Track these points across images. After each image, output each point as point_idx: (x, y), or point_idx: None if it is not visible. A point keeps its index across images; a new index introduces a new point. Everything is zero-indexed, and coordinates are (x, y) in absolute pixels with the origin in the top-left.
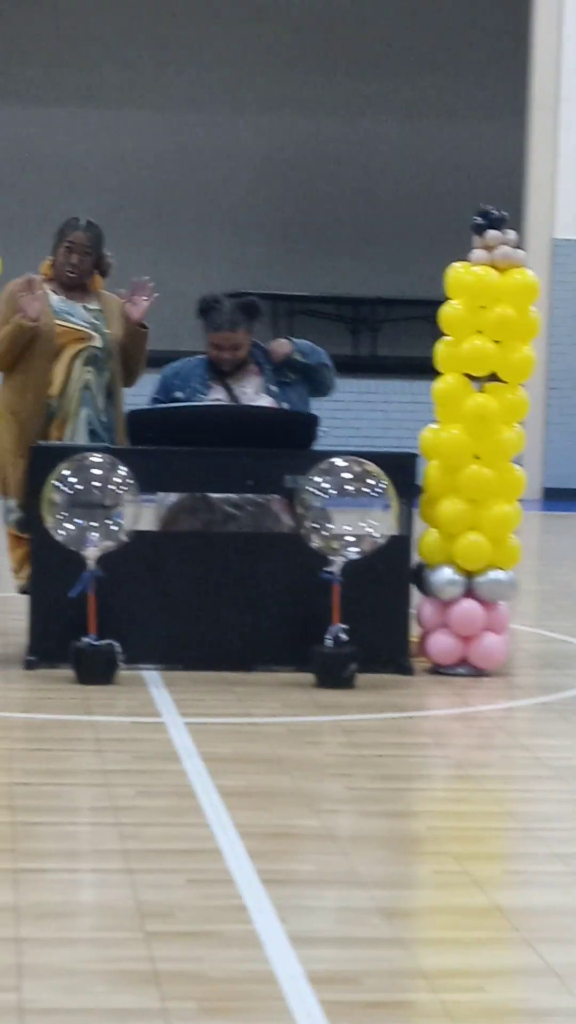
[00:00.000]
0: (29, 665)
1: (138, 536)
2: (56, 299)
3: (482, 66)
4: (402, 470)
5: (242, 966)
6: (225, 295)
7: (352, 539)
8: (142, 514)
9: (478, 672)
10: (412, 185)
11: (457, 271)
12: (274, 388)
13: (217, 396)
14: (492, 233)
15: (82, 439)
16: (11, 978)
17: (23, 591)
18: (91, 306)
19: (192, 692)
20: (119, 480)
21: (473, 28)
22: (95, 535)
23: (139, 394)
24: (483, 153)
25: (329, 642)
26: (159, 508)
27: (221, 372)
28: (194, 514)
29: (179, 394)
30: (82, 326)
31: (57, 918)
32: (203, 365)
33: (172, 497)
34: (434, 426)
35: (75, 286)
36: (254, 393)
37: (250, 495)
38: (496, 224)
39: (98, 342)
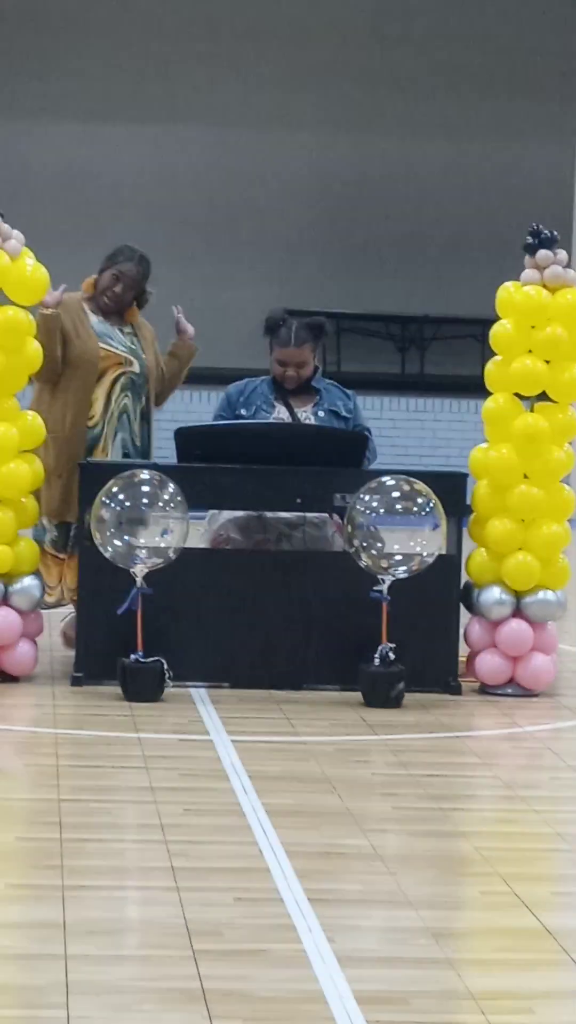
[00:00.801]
0: (76, 682)
1: (186, 553)
2: (95, 320)
3: (531, 86)
4: (451, 489)
5: (289, 985)
6: (287, 314)
7: (401, 558)
8: (190, 531)
9: (526, 692)
10: (461, 204)
11: (508, 290)
12: (323, 415)
13: (280, 416)
14: (543, 253)
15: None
16: (59, 995)
17: (50, 607)
18: (126, 331)
19: (240, 710)
20: (168, 497)
21: (522, 48)
22: (143, 552)
23: (191, 411)
24: (533, 172)
25: (377, 661)
26: (211, 525)
27: (284, 392)
28: (247, 533)
29: (243, 411)
30: (121, 351)
31: (105, 936)
32: (267, 384)
33: (226, 514)
34: (483, 445)
35: (112, 312)
36: (314, 416)
37: (307, 515)
38: (547, 244)
39: (136, 368)
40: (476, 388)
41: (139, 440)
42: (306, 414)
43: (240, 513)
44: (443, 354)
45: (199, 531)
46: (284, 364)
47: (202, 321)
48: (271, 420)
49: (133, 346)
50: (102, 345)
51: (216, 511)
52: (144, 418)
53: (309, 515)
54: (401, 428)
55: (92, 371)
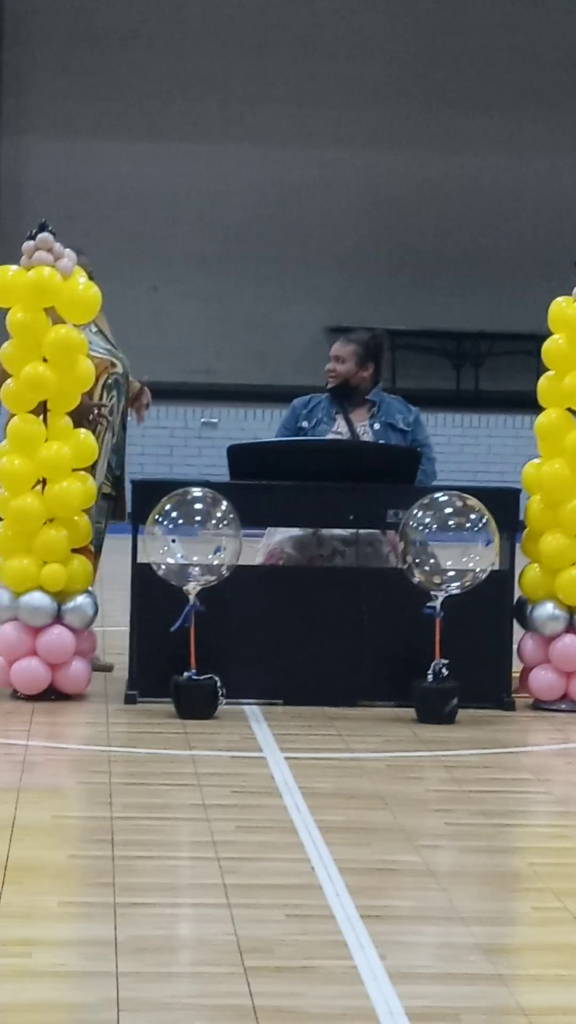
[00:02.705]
0: (130, 700)
1: (239, 571)
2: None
3: None
4: (504, 505)
5: (341, 1002)
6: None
7: (454, 574)
8: (243, 548)
9: None
10: (515, 219)
11: (560, 306)
12: (379, 427)
13: (339, 429)
14: None
15: (103, 463)
16: (110, 1012)
17: None
18: (94, 331)
19: (292, 727)
20: (220, 515)
21: (573, 63)
22: (196, 570)
23: (244, 429)
24: None
25: (431, 677)
26: (267, 540)
27: (344, 405)
28: (302, 549)
29: (304, 424)
30: (104, 355)
31: (156, 952)
32: (329, 399)
33: (283, 531)
34: (536, 460)
35: None
36: (370, 428)
37: (363, 532)
38: None
39: (120, 368)
40: (531, 404)
41: (116, 438)
42: (364, 427)
43: (296, 530)
44: (498, 370)
45: (255, 549)
46: (330, 359)
47: (255, 339)
48: (330, 433)
49: (109, 346)
50: (92, 353)
51: (273, 528)
52: (123, 424)
53: (363, 532)
54: (456, 444)
55: (93, 385)
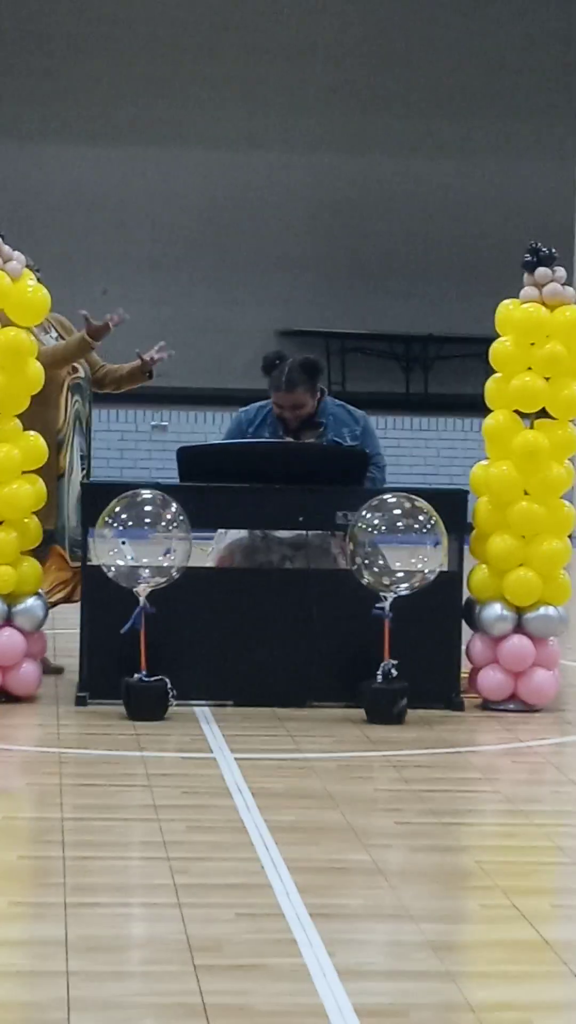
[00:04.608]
0: (80, 701)
1: (189, 572)
2: (35, 331)
3: (533, 105)
4: (452, 506)
5: (291, 999)
6: (286, 354)
7: (402, 575)
8: (193, 550)
9: (528, 708)
10: (463, 223)
11: (507, 308)
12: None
13: None
14: (542, 270)
15: (77, 465)
16: (60, 1011)
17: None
18: (53, 336)
19: (242, 728)
20: (170, 517)
21: (524, 67)
22: (146, 572)
23: (196, 432)
24: (533, 191)
25: (380, 678)
26: (218, 544)
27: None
28: (251, 556)
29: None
30: None
31: (107, 952)
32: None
33: (232, 535)
34: (484, 462)
35: None
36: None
37: (311, 535)
38: (546, 261)
39: (81, 372)
40: (480, 407)
41: (84, 442)
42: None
43: (244, 534)
44: (447, 373)
45: (207, 550)
46: (280, 407)
47: (206, 342)
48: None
49: None
50: None
51: (223, 531)
52: (89, 426)
53: (311, 535)
54: (405, 447)
55: (58, 386)
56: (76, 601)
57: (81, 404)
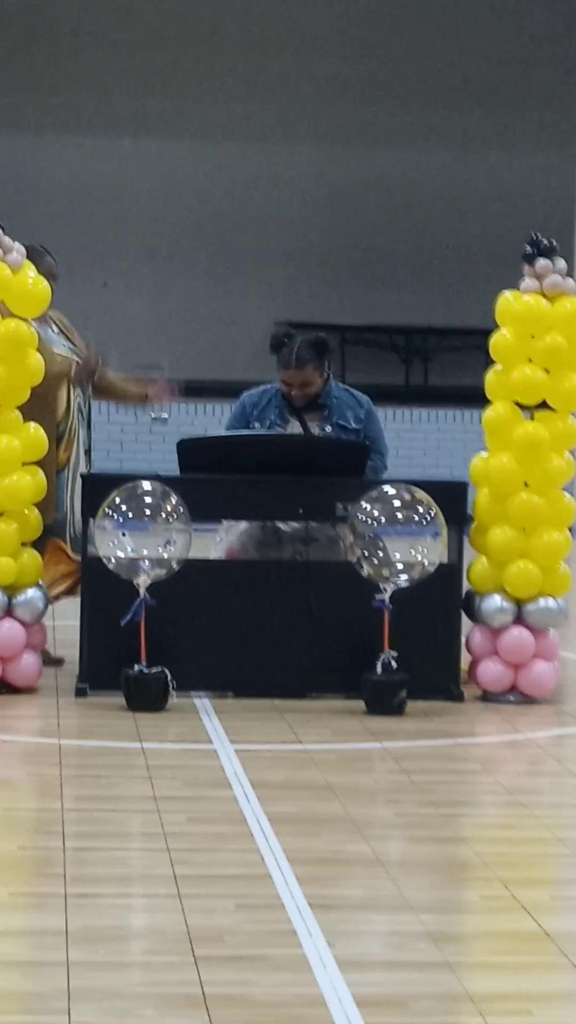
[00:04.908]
0: (80, 693)
1: (189, 564)
2: (35, 325)
3: (534, 96)
4: (452, 498)
5: (290, 990)
6: (295, 331)
7: (402, 567)
8: (194, 542)
9: (528, 699)
10: (464, 215)
11: (507, 300)
12: (330, 430)
13: (293, 431)
14: (542, 262)
15: (82, 458)
16: (61, 1001)
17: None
18: (55, 330)
19: (242, 719)
20: (171, 508)
21: (525, 59)
22: (146, 563)
23: (195, 424)
24: (534, 182)
25: (380, 669)
26: (227, 535)
27: (300, 412)
28: (263, 550)
29: (256, 425)
30: (69, 353)
31: (107, 942)
32: (280, 396)
33: (239, 527)
34: (484, 454)
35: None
36: (321, 431)
37: (314, 528)
38: (546, 253)
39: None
40: (480, 399)
41: (86, 435)
42: (315, 428)
43: (257, 529)
44: (447, 365)
45: (215, 540)
46: (289, 384)
47: (207, 334)
48: (277, 431)
49: (72, 346)
50: (56, 352)
51: (230, 522)
52: (89, 420)
53: (320, 529)
54: (405, 439)
55: (61, 382)
56: (79, 595)
57: (81, 396)
